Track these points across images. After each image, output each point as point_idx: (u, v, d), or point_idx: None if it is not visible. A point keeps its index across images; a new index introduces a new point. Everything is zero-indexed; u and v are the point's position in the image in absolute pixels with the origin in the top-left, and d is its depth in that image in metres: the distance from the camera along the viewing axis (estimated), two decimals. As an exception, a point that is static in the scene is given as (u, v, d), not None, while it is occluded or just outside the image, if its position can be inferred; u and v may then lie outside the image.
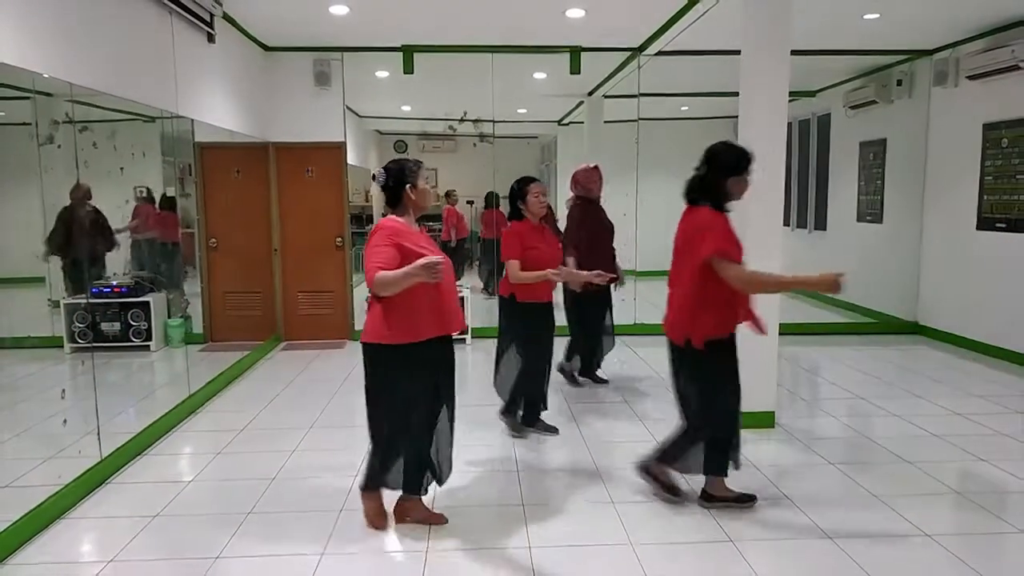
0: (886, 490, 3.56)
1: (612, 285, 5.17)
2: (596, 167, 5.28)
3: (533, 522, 3.26)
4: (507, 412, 4.47)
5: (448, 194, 10.28)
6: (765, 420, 4.47)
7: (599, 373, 5.62)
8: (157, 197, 5.74)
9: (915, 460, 3.95)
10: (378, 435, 3.13)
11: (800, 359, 6.42)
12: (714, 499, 3.39)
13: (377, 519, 3.24)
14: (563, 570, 2.89)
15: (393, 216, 3.08)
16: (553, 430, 4.45)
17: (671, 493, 3.48)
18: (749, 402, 4.41)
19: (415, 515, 3.25)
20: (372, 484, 3.23)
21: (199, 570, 2.88)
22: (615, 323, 5.57)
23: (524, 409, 4.47)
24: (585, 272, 4.21)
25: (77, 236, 4.38)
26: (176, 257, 5.96)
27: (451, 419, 3.22)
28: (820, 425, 4.63)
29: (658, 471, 3.50)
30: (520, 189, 4.24)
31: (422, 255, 2.83)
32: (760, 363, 4.41)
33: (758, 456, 4.02)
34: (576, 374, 5.56)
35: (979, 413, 4.78)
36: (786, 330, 4.62)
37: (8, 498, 3.30)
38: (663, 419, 4.57)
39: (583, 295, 5.04)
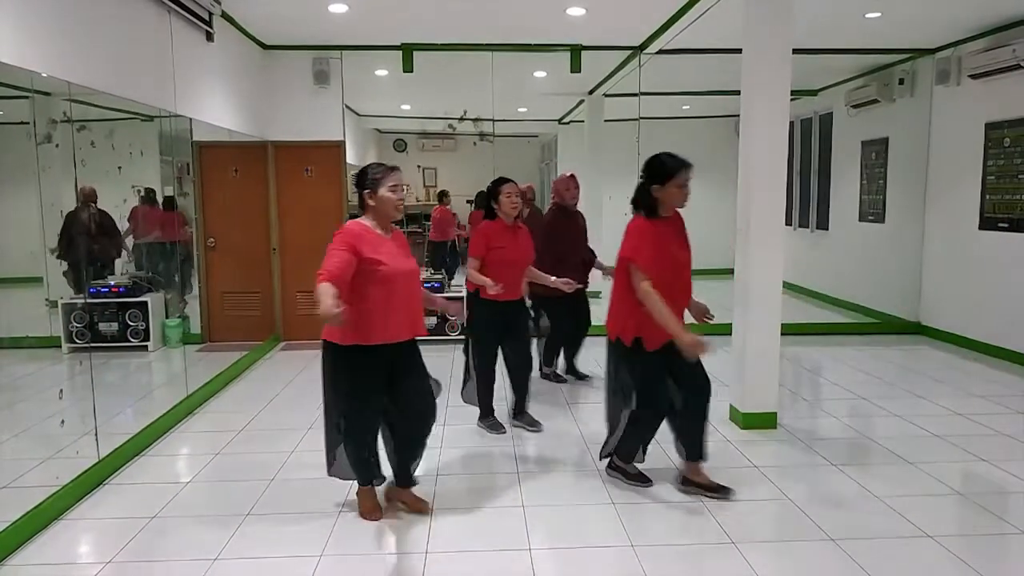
0: (888, 491, 3.55)
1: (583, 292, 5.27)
2: (572, 176, 5.38)
3: (533, 523, 3.25)
4: (483, 417, 4.52)
5: (442, 195, 10.23)
6: (767, 421, 4.45)
7: (579, 370, 5.66)
8: (154, 196, 5.72)
9: (916, 461, 3.94)
10: (344, 426, 3.22)
11: (802, 359, 6.40)
12: (690, 483, 3.50)
13: (370, 512, 3.31)
14: (563, 571, 2.88)
15: (360, 220, 3.13)
16: (537, 425, 4.48)
17: (640, 481, 3.62)
18: (751, 403, 4.43)
19: (403, 497, 3.35)
20: (333, 470, 3.35)
21: (197, 571, 2.86)
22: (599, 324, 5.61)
23: (516, 402, 4.54)
24: (553, 278, 4.35)
25: (85, 239, 4.37)
26: (175, 257, 5.94)
27: (414, 422, 3.26)
28: (822, 426, 4.62)
29: (625, 467, 3.67)
30: (494, 189, 4.29)
31: (378, 263, 2.98)
32: (762, 364, 4.40)
33: (760, 457, 4.01)
34: (559, 372, 5.65)
35: (980, 413, 4.76)
36: (788, 330, 4.59)
37: (6, 499, 3.29)
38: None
39: (547, 297, 5.05)
